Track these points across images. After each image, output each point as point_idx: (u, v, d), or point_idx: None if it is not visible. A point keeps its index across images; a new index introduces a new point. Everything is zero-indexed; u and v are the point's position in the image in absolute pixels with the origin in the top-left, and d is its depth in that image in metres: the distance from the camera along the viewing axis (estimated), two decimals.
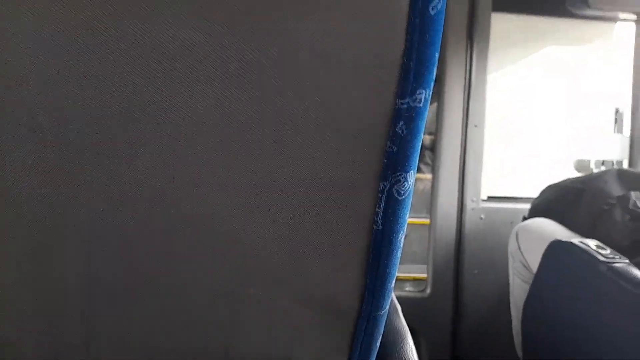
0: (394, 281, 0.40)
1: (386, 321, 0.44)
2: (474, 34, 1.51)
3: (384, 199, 0.35)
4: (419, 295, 1.61)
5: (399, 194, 0.35)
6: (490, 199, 1.60)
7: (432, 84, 0.32)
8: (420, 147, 0.34)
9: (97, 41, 0.29)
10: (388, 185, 0.34)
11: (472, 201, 1.55)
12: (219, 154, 0.33)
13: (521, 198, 1.58)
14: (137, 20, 0.29)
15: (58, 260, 0.35)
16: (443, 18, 0.29)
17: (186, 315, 0.39)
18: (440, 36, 0.30)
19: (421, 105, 0.31)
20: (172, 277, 0.37)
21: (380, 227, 0.36)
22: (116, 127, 0.31)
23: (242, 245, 0.36)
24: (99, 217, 0.34)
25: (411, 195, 0.36)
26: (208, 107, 0.31)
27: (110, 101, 0.31)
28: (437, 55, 0.31)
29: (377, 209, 0.36)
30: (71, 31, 0.29)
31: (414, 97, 0.31)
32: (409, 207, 0.37)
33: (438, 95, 1.55)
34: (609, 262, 0.89)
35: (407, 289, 1.84)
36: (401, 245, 0.39)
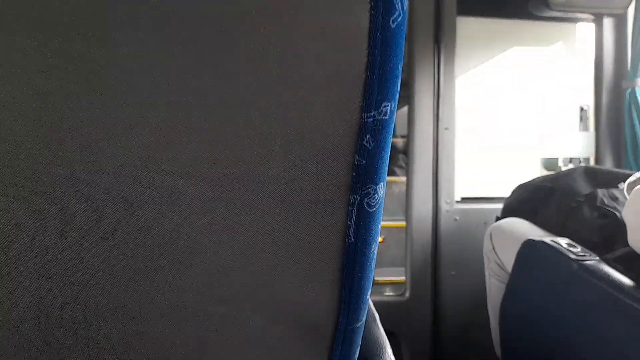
0: (369, 293, 0.40)
1: (364, 331, 0.44)
2: (441, 38, 1.53)
3: (354, 212, 0.35)
4: (398, 299, 1.61)
5: (369, 206, 0.35)
6: (464, 200, 1.62)
7: (397, 96, 0.32)
8: (388, 158, 0.34)
9: (48, 61, 0.28)
10: (358, 198, 0.34)
11: (447, 203, 1.57)
12: (180, 172, 0.32)
13: (494, 198, 1.60)
14: (89, 40, 0.28)
15: (12, 287, 0.34)
16: (404, 30, 0.29)
17: (154, 338, 0.38)
18: (403, 48, 0.30)
19: (387, 117, 0.31)
20: (137, 300, 0.36)
21: (353, 240, 0.36)
22: (72, 150, 0.31)
23: (209, 264, 0.36)
24: (57, 242, 0.33)
25: (382, 206, 0.36)
26: (167, 126, 0.31)
27: (65, 123, 0.30)
28: (400, 67, 0.31)
29: (348, 222, 0.35)
30: (20, 51, 0.28)
31: (379, 110, 0.31)
32: (381, 218, 0.37)
33: (408, 99, 1.57)
34: (580, 260, 0.91)
35: (386, 293, 1.84)
36: (375, 257, 0.38)
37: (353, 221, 0.35)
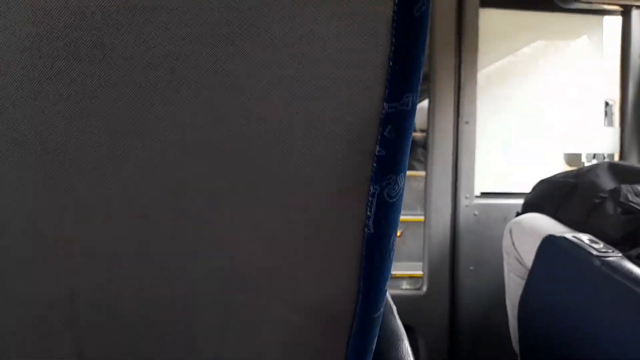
0: (387, 283, 0.40)
1: (382, 322, 0.44)
2: (463, 31, 1.51)
3: (374, 202, 0.35)
4: (415, 293, 1.61)
5: (389, 197, 0.35)
6: (484, 195, 1.60)
7: (419, 87, 0.32)
8: (409, 149, 0.34)
9: (80, 52, 0.29)
10: (379, 189, 0.34)
11: (466, 197, 1.56)
12: (205, 162, 0.33)
13: (514, 193, 1.58)
14: (123, 30, 0.28)
15: (42, 272, 0.35)
16: (428, 20, 0.29)
17: (175, 323, 0.39)
18: (426, 39, 0.30)
19: (409, 108, 0.31)
20: (161, 286, 0.37)
21: (372, 230, 0.36)
22: (101, 138, 0.31)
23: (231, 252, 0.36)
24: (85, 229, 0.34)
25: (402, 197, 0.36)
26: (193, 115, 0.31)
27: (93, 112, 0.30)
28: (423, 57, 0.31)
29: (368, 213, 0.36)
30: (52, 43, 0.28)
31: (401, 101, 0.31)
32: (401, 209, 0.37)
33: (429, 92, 1.55)
34: (602, 256, 0.89)
35: (403, 287, 1.84)
36: (394, 247, 0.38)
37: (373, 212, 0.35)
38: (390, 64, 0.30)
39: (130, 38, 0.29)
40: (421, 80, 0.32)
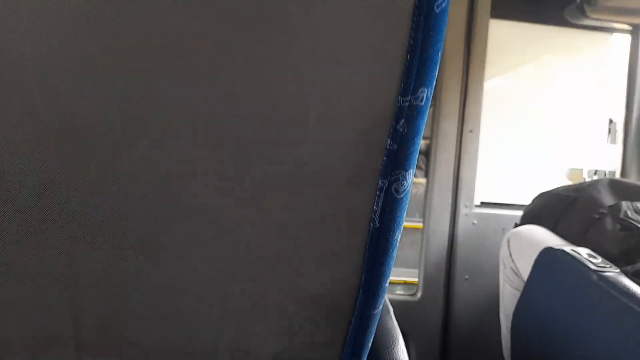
0: (388, 280, 0.40)
1: (378, 322, 0.44)
2: (472, 40, 1.52)
3: (382, 196, 0.35)
4: (409, 298, 1.61)
5: (397, 192, 0.35)
6: (484, 204, 1.60)
7: (434, 83, 0.32)
8: (420, 145, 0.34)
9: (98, 29, 0.29)
10: (387, 183, 0.34)
11: (465, 206, 1.56)
12: (217, 147, 0.33)
13: (514, 204, 1.58)
14: (143, 8, 0.28)
15: (45, 248, 0.35)
16: (447, 17, 0.29)
17: (175, 309, 0.39)
18: (444, 35, 0.30)
19: (422, 103, 0.31)
20: (162, 270, 0.37)
21: (378, 225, 0.36)
22: (114, 115, 0.31)
23: (235, 239, 0.36)
24: (91, 206, 0.34)
25: (409, 194, 0.36)
26: (208, 99, 0.31)
27: (109, 89, 0.30)
28: (439, 54, 0.31)
29: (375, 207, 0.36)
30: (71, 18, 0.28)
31: (416, 95, 0.31)
32: (407, 206, 0.37)
33: (434, 99, 1.55)
34: (600, 271, 0.89)
35: (397, 292, 1.83)
36: (397, 244, 0.38)
37: (379, 206, 0.35)
38: (408, 57, 0.30)
39: (149, 16, 0.29)
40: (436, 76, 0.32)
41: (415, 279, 1.65)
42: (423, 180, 1.93)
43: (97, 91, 0.30)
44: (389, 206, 0.35)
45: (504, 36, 1.58)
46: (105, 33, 0.29)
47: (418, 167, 2.40)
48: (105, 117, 0.31)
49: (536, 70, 1.65)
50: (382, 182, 0.34)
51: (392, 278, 1.94)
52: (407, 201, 0.36)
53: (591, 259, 0.95)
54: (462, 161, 1.54)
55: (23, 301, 0.38)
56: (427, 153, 1.64)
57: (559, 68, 1.66)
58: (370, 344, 0.43)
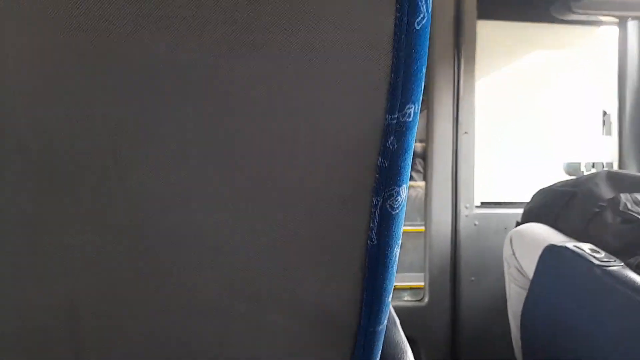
0: (391, 295, 0.40)
1: (385, 335, 0.44)
2: (461, 42, 1.53)
3: (377, 213, 0.35)
4: (417, 304, 1.60)
5: (392, 208, 0.35)
6: (484, 204, 1.60)
7: (421, 98, 0.32)
8: (411, 161, 0.34)
9: (85, 59, 0.29)
10: (381, 200, 0.34)
11: (466, 207, 1.56)
12: (208, 171, 0.33)
13: (514, 203, 1.58)
14: (127, 39, 0.28)
15: (42, 282, 0.35)
16: (428, 33, 0.30)
17: (175, 333, 0.39)
18: (427, 51, 0.30)
19: (411, 119, 0.32)
20: (160, 296, 0.37)
21: (376, 242, 0.36)
22: (105, 147, 0.31)
23: (232, 261, 0.36)
24: (86, 237, 0.33)
25: (404, 209, 0.36)
26: (197, 124, 0.31)
27: (98, 120, 0.30)
28: (424, 69, 0.31)
29: (371, 225, 0.36)
30: (57, 48, 0.28)
31: (403, 112, 0.31)
32: (403, 220, 0.37)
33: (427, 103, 1.56)
34: (603, 266, 0.89)
35: (405, 298, 1.83)
36: (397, 259, 0.38)
37: (376, 223, 0.35)
38: (392, 75, 0.30)
39: (137, 46, 0.29)
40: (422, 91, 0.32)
41: (422, 283, 1.64)
42: (422, 184, 1.94)
43: (86, 122, 0.30)
44: (385, 222, 0.35)
45: (492, 36, 1.59)
46: (90, 64, 0.29)
47: (416, 170, 2.40)
48: (95, 149, 0.31)
49: (527, 68, 1.65)
50: (377, 199, 0.34)
51: (398, 284, 1.94)
52: (403, 216, 0.36)
53: (594, 254, 0.94)
54: (459, 163, 1.54)
55: (23, 334, 0.38)
56: (424, 156, 1.64)
57: (550, 64, 1.66)
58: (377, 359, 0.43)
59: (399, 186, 0.34)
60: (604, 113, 1.66)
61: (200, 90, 0.30)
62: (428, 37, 0.30)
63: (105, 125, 0.31)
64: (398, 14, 0.29)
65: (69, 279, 0.35)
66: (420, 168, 2.34)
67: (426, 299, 1.59)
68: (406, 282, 1.98)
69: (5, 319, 0.37)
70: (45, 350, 0.38)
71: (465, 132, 1.54)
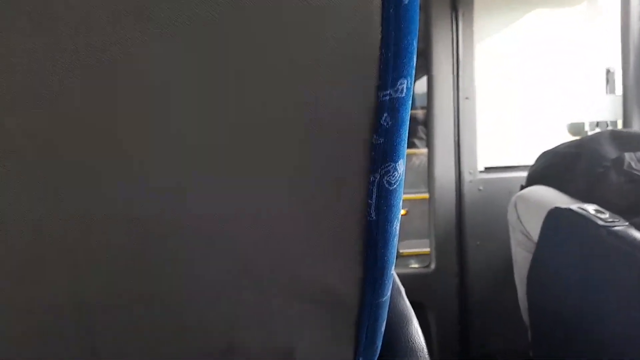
0: (393, 268, 0.41)
1: (390, 304, 0.44)
2: (458, 4, 1.50)
3: (375, 190, 0.35)
4: (424, 270, 1.62)
5: (389, 184, 0.35)
6: (488, 169, 1.60)
7: (413, 72, 0.31)
8: (407, 136, 0.34)
9: (79, 58, 0.29)
10: (378, 177, 0.34)
11: (470, 173, 1.55)
12: (203, 159, 0.33)
13: (518, 167, 1.58)
14: (130, 44, 0.28)
15: (45, 280, 0.35)
16: (418, 6, 0.29)
17: (185, 321, 0.39)
18: (417, 24, 0.29)
19: (404, 95, 0.31)
20: (166, 287, 0.37)
21: (375, 217, 0.36)
22: (102, 139, 0.31)
23: (232, 249, 0.36)
24: (88, 231, 0.34)
25: (402, 183, 0.36)
26: (189, 114, 0.31)
27: (90, 119, 0.30)
28: (415, 43, 0.30)
29: (369, 201, 0.36)
30: (45, 54, 0.28)
31: (395, 88, 0.31)
32: (402, 195, 0.37)
33: (427, 69, 1.54)
34: (608, 226, 0.89)
35: (411, 265, 1.85)
36: (397, 232, 0.39)
37: (374, 199, 0.35)
38: (382, 51, 0.29)
39: (136, 50, 0.28)
40: (415, 64, 0.32)
41: (428, 249, 1.66)
42: (424, 151, 1.93)
43: (80, 120, 0.30)
44: (383, 198, 0.35)
45: None
46: (76, 67, 0.29)
47: (419, 137, 2.39)
48: (90, 145, 0.31)
49: (527, 28, 1.62)
50: (374, 176, 0.34)
51: (404, 251, 1.95)
52: (402, 190, 0.36)
53: (599, 215, 0.94)
54: (461, 128, 1.53)
55: (30, 334, 0.38)
56: (425, 123, 1.63)
57: (550, 23, 1.63)
58: (383, 330, 0.44)
59: (395, 162, 0.34)
60: (608, 71, 1.63)
61: (190, 80, 0.30)
62: (417, 9, 0.29)
63: (95, 122, 0.30)
64: None
65: (72, 273, 0.35)
66: (422, 135, 2.33)
67: (433, 265, 1.60)
68: (412, 249, 2.00)
69: (13, 322, 0.37)
70: (60, 350, 0.39)
71: (467, 97, 1.52)
